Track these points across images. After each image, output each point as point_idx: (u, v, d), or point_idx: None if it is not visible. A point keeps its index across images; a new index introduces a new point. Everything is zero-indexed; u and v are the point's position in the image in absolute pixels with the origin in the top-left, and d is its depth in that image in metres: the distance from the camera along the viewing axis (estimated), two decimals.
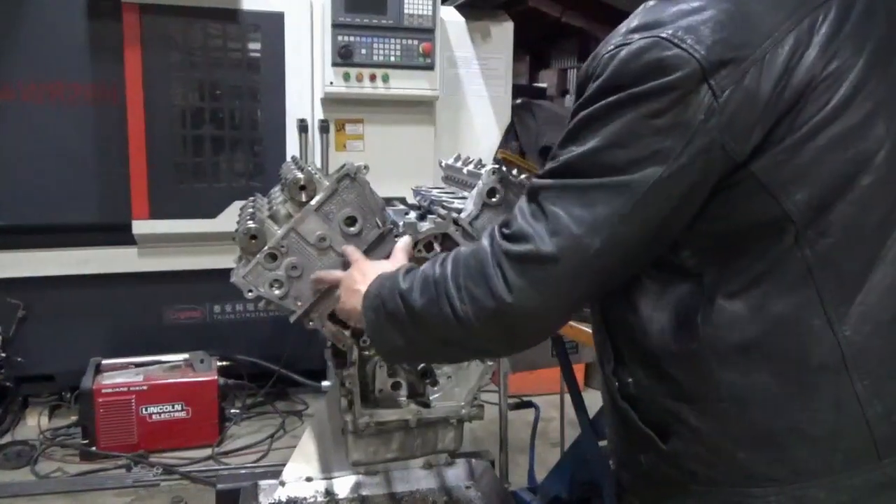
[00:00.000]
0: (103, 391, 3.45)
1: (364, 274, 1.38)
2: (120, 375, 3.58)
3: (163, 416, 3.53)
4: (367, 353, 1.76)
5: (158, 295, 3.93)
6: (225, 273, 1.76)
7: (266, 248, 1.64)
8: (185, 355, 3.71)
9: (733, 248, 1.04)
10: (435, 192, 2.04)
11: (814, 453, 1.04)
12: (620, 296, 1.13)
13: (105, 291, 3.83)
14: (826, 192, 1.01)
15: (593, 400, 2.05)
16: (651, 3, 1.07)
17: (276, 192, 1.97)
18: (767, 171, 1.00)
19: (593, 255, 1.00)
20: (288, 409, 4.03)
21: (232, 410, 3.88)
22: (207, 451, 3.54)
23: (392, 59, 3.83)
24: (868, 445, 1.04)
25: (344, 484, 2.11)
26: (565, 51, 10.76)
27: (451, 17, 4.15)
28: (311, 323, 1.70)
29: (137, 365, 3.69)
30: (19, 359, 3.73)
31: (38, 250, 3.68)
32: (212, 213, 3.75)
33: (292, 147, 3.87)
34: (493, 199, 1.71)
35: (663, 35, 0.98)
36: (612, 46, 1.03)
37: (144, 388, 3.51)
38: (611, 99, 1.00)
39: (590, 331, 1.34)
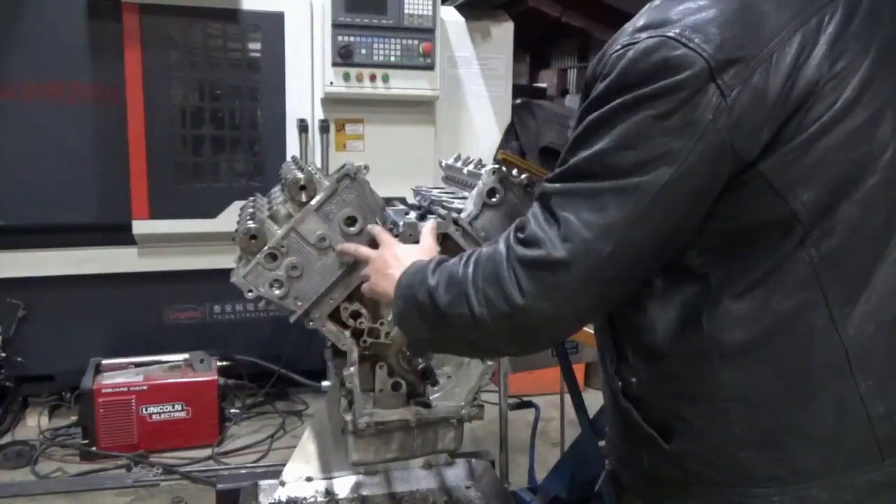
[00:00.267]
0: (103, 391, 3.45)
1: (398, 258, 1.39)
2: (120, 375, 3.58)
3: (163, 416, 3.53)
4: (367, 352, 1.76)
5: (158, 295, 3.93)
6: (225, 273, 1.75)
7: (266, 248, 1.64)
8: (185, 355, 3.71)
9: (740, 248, 1.04)
10: (435, 192, 2.04)
11: (816, 453, 1.04)
12: None
13: (105, 291, 3.83)
14: (832, 193, 1.01)
15: (593, 400, 2.05)
16: (657, 1, 1.07)
17: (276, 192, 1.97)
18: (775, 170, 0.99)
19: (605, 260, 1.00)
20: (288, 409, 4.03)
21: (232, 410, 3.88)
22: (207, 451, 3.54)
23: (392, 59, 3.83)
24: (870, 445, 1.04)
25: (344, 484, 2.10)
26: (565, 51, 10.77)
27: (451, 17, 4.15)
28: (311, 323, 1.70)
29: (137, 365, 3.69)
30: (19, 359, 3.73)
31: (38, 250, 3.68)
32: (212, 213, 3.75)
33: (292, 147, 3.87)
34: (493, 199, 1.71)
35: (670, 34, 0.98)
36: (618, 46, 1.03)
37: (144, 388, 3.51)
38: (618, 100, 0.99)
39: (590, 331, 1.33)
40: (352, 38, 3.78)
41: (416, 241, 1.62)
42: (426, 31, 3.86)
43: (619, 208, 0.99)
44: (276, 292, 1.65)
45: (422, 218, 1.80)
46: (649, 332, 1.10)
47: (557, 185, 1.05)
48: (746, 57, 0.96)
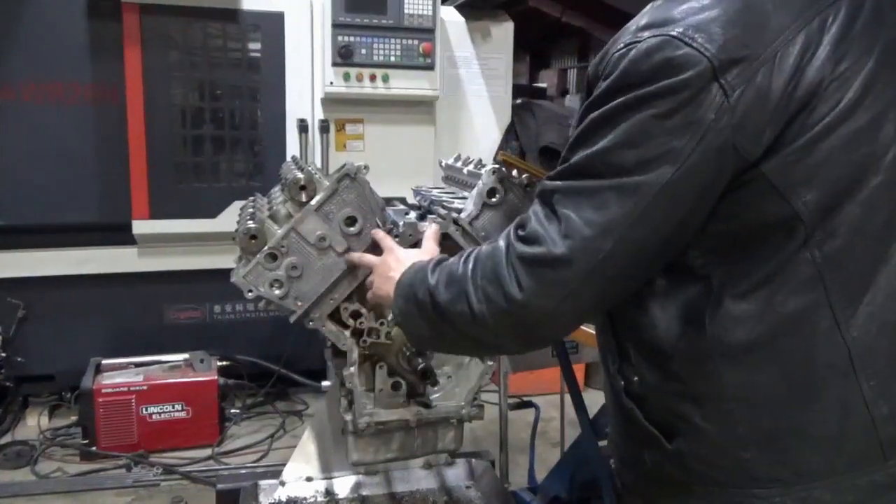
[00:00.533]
0: (103, 391, 3.45)
1: (399, 261, 1.40)
2: (120, 375, 3.58)
3: (163, 416, 3.53)
4: (367, 352, 1.76)
5: (158, 295, 3.93)
6: (225, 273, 1.75)
7: (266, 248, 1.64)
8: (185, 355, 3.71)
9: (742, 248, 1.04)
10: (435, 192, 2.04)
11: (819, 454, 1.04)
12: None
13: (105, 291, 3.83)
14: (835, 193, 1.01)
15: (593, 400, 2.05)
16: (659, 1, 1.06)
17: (276, 192, 1.97)
18: (778, 171, 0.99)
19: (605, 258, 1.00)
20: (288, 409, 4.03)
21: (232, 410, 3.88)
22: (207, 451, 3.54)
23: (392, 59, 3.83)
24: (873, 446, 1.04)
25: (344, 484, 2.10)
26: (565, 51, 10.77)
27: (451, 17, 4.15)
28: (311, 323, 1.70)
29: (137, 365, 3.69)
30: (19, 359, 3.73)
31: (38, 250, 3.68)
32: (212, 213, 3.75)
33: (292, 147, 3.87)
34: (493, 199, 1.71)
35: (673, 33, 0.97)
36: (621, 45, 1.03)
37: (144, 388, 3.51)
38: (621, 99, 0.99)
39: (590, 331, 1.33)
40: (352, 38, 3.78)
41: (417, 242, 1.62)
42: (426, 31, 3.86)
43: (620, 206, 0.99)
44: (276, 292, 1.65)
45: (422, 218, 1.80)
46: (651, 332, 1.10)
47: (559, 182, 1.05)
48: (750, 57, 0.96)
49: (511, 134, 4.44)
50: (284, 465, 2.12)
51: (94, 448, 3.44)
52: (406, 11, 3.82)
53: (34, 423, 3.75)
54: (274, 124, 3.87)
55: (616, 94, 1.00)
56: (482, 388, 1.87)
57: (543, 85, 9.21)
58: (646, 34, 1.00)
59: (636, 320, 1.12)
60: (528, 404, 3.00)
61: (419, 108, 4.06)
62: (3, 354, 3.68)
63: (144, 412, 3.50)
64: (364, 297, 1.65)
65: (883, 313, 1.04)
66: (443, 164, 2.15)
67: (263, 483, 2.09)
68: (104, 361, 3.66)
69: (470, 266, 1.13)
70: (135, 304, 3.89)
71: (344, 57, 3.76)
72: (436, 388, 1.83)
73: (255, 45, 3.86)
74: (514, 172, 1.77)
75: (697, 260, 1.06)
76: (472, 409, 1.85)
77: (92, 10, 3.57)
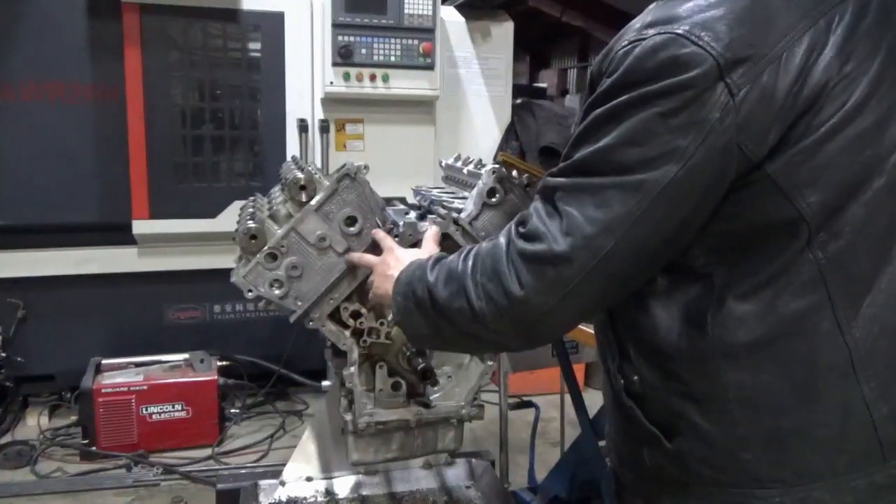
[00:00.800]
0: (103, 391, 3.45)
1: (399, 260, 1.39)
2: (120, 375, 3.58)
3: (163, 415, 3.53)
4: (367, 352, 1.76)
5: (158, 295, 3.93)
6: (225, 273, 1.76)
7: (266, 247, 1.64)
8: (185, 355, 3.71)
9: (744, 248, 1.04)
10: (435, 192, 2.04)
11: (819, 455, 1.04)
12: None
13: (105, 291, 3.83)
14: (840, 195, 1.01)
15: (593, 400, 2.05)
16: None
17: (276, 192, 1.97)
18: (783, 172, 0.99)
19: (606, 256, 0.99)
20: (288, 409, 4.03)
21: (232, 410, 3.88)
22: (207, 451, 3.54)
23: (392, 58, 3.83)
24: (874, 447, 1.04)
25: (344, 484, 2.10)
26: (565, 51, 10.78)
27: (451, 17, 4.16)
28: (311, 323, 1.70)
29: (137, 365, 3.69)
30: (19, 359, 3.73)
31: (38, 250, 3.68)
32: (212, 213, 3.75)
33: (292, 147, 3.87)
34: (493, 199, 1.71)
35: (679, 31, 0.97)
36: (625, 42, 1.02)
37: (144, 387, 3.51)
38: (625, 97, 0.99)
39: (590, 330, 1.33)
40: (352, 38, 3.78)
41: (417, 242, 1.62)
42: (426, 31, 3.86)
43: (623, 205, 0.98)
44: (276, 292, 1.65)
45: (422, 218, 1.80)
46: (652, 331, 1.10)
47: (561, 179, 1.05)
48: (755, 56, 0.96)
49: (511, 134, 4.44)
50: (284, 465, 2.13)
51: (94, 448, 3.44)
52: (406, 11, 3.82)
53: (34, 423, 3.75)
54: (274, 124, 3.87)
55: (620, 91, 0.99)
56: (482, 388, 1.87)
57: (543, 85, 9.21)
58: (651, 31, 0.99)
59: (637, 319, 1.12)
60: (528, 404, 3.00)
61: (419, 108, 4.06)
62: (3, 354, 3.68)
63: (144, 412, 3.50)
64: (364, 297, 1.65)
65: (884, 315, 1.04)
66: (443, 164, 2.15)
67: (263, 483, 2.09)
68: (104, 361, 3.66)
69: (469, 263, 1.12)
70: (135, 304, 3.89)
71: (344, 57, 3.76)
72: (436, 388, 1.83)
73: (255, 45, 3.86)
74: (514, 173, 1.77)
75: (699, 259, 1.06)
76: (472, 409, 1.85)
77: (92, 9, 3.57)
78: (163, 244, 3.79)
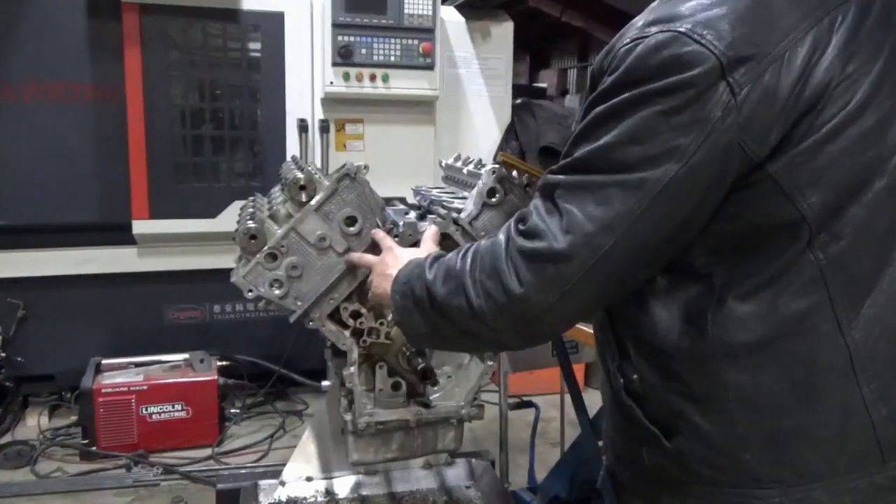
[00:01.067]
0: (103, 391, 3.45)
1: (397, 259, 1.39)
2: (120, 375, 3.58)
3: (163, 415, 3.53)
4: (367, 352, 1.76)
5: (158, 295, 3.93)
6: (225, 273, 1.75)
7: (266, 248, 1.64)
8: (185, 355, 3.71)
9: (745, 248, 1.03)
10: (435, 192, 2.04)
11: (819, 455, 1.04)
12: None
13: (105, 291, 3.83)
14: (841, 195, 1.01)
15: (593, 400, 2.05)
16: None
17: (276, 192, 1.97)
18: (785, 172, 0.99)
19: (606, 254, 0.99)
20: (288, 409, 4.03)
21: (232, 410, 3.88)
22: (207, 451, 3.54)
23: (392, 58, 3.83)
24: (873, 448, 1.04)
25: (344, 484, 2.10)
26: (565, 51, 10.79)
27: (451, 17, 4.16)
28: (311, 323, 1.70)
29: (137, 365, 3.69)
30: (19, 359, 3.73)
31: (38, 250, 3.68)
32: (212, 213, 3.75)
33: (292, 147, 3.87)
34: (493, 199, 1.71)
35: (682, 29, 0.96)
36: (628, 40, 1.02)
37: (144, 387, 3.51)
38: (626, 95, 0.98)
39: (590, 330, 1.33)
40: (352, 38, 3.78)
41: (416, 242, 1.62)
42: (426, 31, 3.86)
43: (623, 203, 0.98)
44: (276, 292, 1.65)
45: (422, 218, 1.80)
46: (652, 330, 1.10)
47: (561, 177, 1.04)
48: (758, 55, 0.95)
49: (511, 134, 4.44)
50: (284, 465, 2.12)
51: (94, 448, 3.44)
52: (406, 11, 3.82)
53: (34, 423, 3.75)
54: (274, 124, 3.87)
55: (622, 89, 0.99)
56: (482, 388, 1.87)
57: (543, 85, 9.22)
58: (653, 30, 0.99)
59: (636, 318, 1.12)
60: (528, 404, 3.01)
61: (419, 108, 4.06)
62: (3, 354, 3.68)
63: (144, 412, 3.50)
64: (364, 297, 1.65)
65: (884, 316, 1.04)
66: (443, 164, 2.15)
67: (263, 483, 2.09)
68: (104, 361, 3.66)
69: (468, 261, 1.12)
70: (135, 304, 3.89)
71: (344, 57, 3.76)
72: (436, 388, 1.83)
73: (255, 45, 3.86)
74: (514, 174, 1.77)
75: (699, 259, 1.06)
76: (472, 409, 1.85)
77: (92, 9, 3.57)
78: (163, 244, 3.79)
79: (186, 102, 3.77)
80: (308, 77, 3.88)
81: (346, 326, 1.71)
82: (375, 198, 1.71)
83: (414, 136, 4.06)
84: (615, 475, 1.27)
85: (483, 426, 3.38)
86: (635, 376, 1.13)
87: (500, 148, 4.24)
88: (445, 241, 1.68)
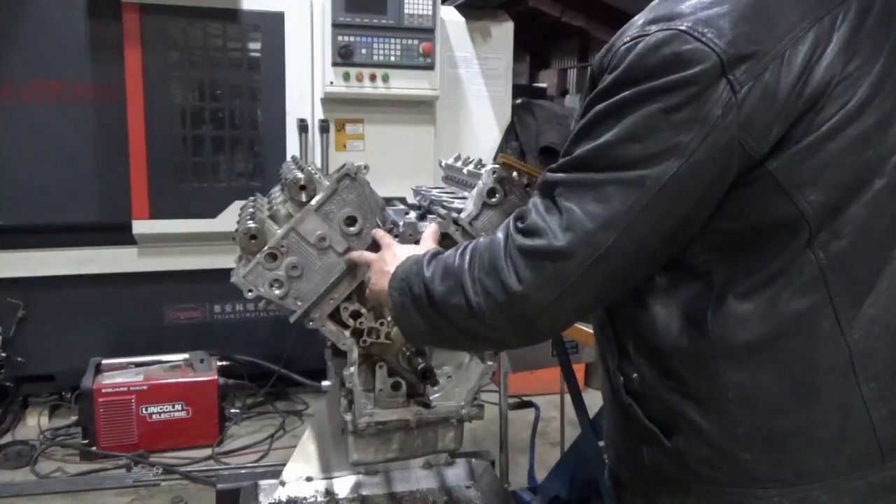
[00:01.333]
0: (103, 391, 3.45)
1: (395, 256, 1.38)
2: (120, 375, 3.58)
3: (163, 415, 3.53)
4: (367, 352, 1.76)
5: (158, 295, 3.94)
6: (225, 273, 1.75)
7: (266, 248, 1.64)
8: (185, 355, 3.71)
9: (745, 247, 1.03)
10: (435, 192, 2.04)
11: (818, 455, 1.04)
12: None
13: (105, 291, 3.83)
14: (841, 194, 1.01)
15: (593, 400, 2.05)
16: None
17: (276, 192, 1.97)
18: (785, 170, 0.99)
19: (606, 252, 0.99)
20: (288, 409, 4.03)
21: (232, 410, 3.88)
22: (207, 451, 3.54)
23: (392, 58, 3.84)
24: (872, 448, 1.04)
25: (344, 484, 2.10)
26: (565, 51, 10.79)
27: (451, 17, 4.16)
28: (311, 323, 1.70)
29: (137, 365, 3.69)
30: (19, 359, 3.73)
31: (38, 250, 3.68)
32: (212, 213, 3.76)
33: (292, 147, 3.87)
34: (493, 199, 1.71)
35: (682, 27, 0.96)
36: (628, 38, 1.01)
37: (144, 387, 3.51)
38: (627, 92, 0.98)
39: (590, 330, 1.33)
40: (352, 38, 3.78)
41: (417, 242, 1.62)
42: (426, 31, 3.86)
43: (623, 201, 0.98)
44: (276, 292, 1.65)
45: (422, 218, 1.80)
46: (652, 329, 1.10)
47: (561, 174, 1.04)
48: (759, 53, 0.95)
49: (511, 134, 4.44)
50: (284, 465, 2.12)
51: (94, 448, 3.44)
52: (406, 11, 3.82)
53: (34, 423, 3.75)
54: (274, 124, 3.87)
55: (622, 87, 0.99)
56: (482, 388, 1.87)
57: (543, 85, 9.22)
58: (654, 28, 0.99)
59: (636, 317, 1.12)
60: (528, 404, 3.01)
61: (419, 108, 4.06)
62: (3, 354, 3.69)
63: (144, 412, 3.50)
64: (364, 297, 1.65)
65: (885, 316, 1.04)
66: (443, 164, 2.15)
67: (263, 483, 2.09)
68: (104, 361, 3.66)
69: (467, 258, 1.11)
70: (135, 304, 3.89)
71: (344, 57, 3.76)
72: (436, 388, 1.82)
73: (255, 45, 3.86)
74: (514, 175, 1.77)
75: (699, 257, 1.06)
76: (472, 409, 1.85)
77: (92, 9, 3.57)
78: (163, 244, 3.80)
79: (186, 102, 3.77)
80: (308, 77, 3.88)
81: (346, 326, 1.71)
82: (375, 198, 1.71)
83: (414, 136, 4.06)
84: (615, 474, 1.27)
85: (483, 426, 3.38)
86: (635, 375, 1.13)
87: (501, 148, 4.25)
88: (445, 241, 1.68)
